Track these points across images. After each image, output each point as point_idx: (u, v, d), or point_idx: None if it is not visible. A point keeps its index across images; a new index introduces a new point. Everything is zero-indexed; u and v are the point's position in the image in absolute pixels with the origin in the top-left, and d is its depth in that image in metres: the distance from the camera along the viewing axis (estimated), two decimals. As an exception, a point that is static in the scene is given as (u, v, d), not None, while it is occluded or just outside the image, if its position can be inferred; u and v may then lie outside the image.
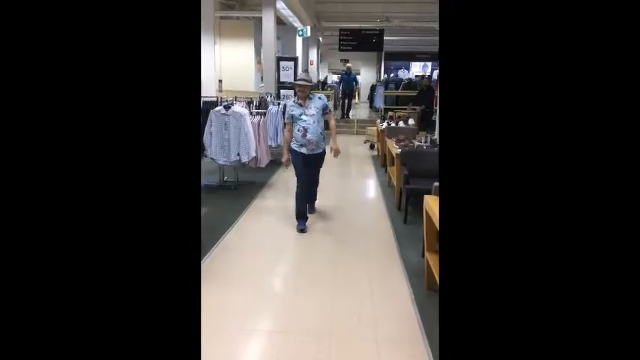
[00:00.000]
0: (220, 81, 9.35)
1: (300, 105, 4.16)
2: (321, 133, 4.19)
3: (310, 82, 4.30)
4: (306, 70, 4.38)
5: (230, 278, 3.24)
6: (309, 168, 4.25)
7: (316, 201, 4.76)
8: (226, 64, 10.73)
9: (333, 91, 13.67)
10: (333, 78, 20.44)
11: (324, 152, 4.32)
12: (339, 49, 12.88)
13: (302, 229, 4.21)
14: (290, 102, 4.39)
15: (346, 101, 12.82)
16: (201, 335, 2.01)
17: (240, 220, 4.53)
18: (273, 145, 6.31)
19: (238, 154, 5.39)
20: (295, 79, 4.42)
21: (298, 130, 4.14)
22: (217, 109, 5.39)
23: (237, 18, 11.89)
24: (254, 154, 5.47)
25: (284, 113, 5.29)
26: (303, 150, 4.16)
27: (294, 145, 4.19)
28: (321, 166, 4.43)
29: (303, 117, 4.12)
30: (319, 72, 18.75)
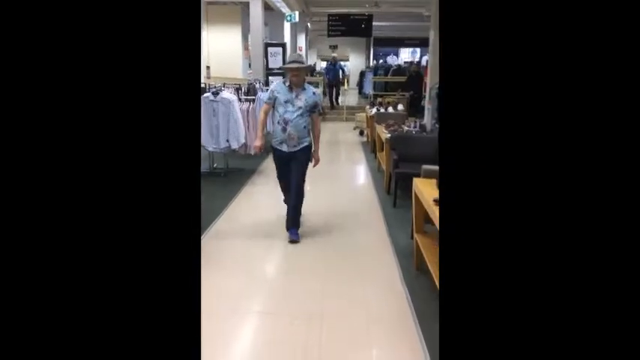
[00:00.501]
0: (208, 67, 9.27)
1: (290, 89, 3.49)
2: (304, 127, 3.54)
3: (304, 63, 3.62)
4: (297, 52, 3.71)
5: (221, 263, 3.26)
6: (290, 167, 3.59)
7: (299, 227, 3.74)
8: (214, 50, 10.60)
9: (321, 78, 13.61)
10: (322, 65, 20.32)
11: (309, 147, 3.61)
12: (328, 35, 12.79)
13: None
14: (278, 82, 3.68)
15: (333, 90, 12.77)
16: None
17: (230, 206, 4.53)
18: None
19: (227, 141, 5.38)
20: (286, 62, 3.61)
21: (278, 122, 3.51)
22: (206, 95, 5.35)
23: (225, 3, 11.72)
24: (243, 141, 5.46)
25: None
26: (284, 147, 3.53)
27: (274, 142, 3.60)
28: (305, 166, 3.62)
29: (288, 106, 3.47)
30: (308, 58, 18.62)
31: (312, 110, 3.57)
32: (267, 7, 10.55)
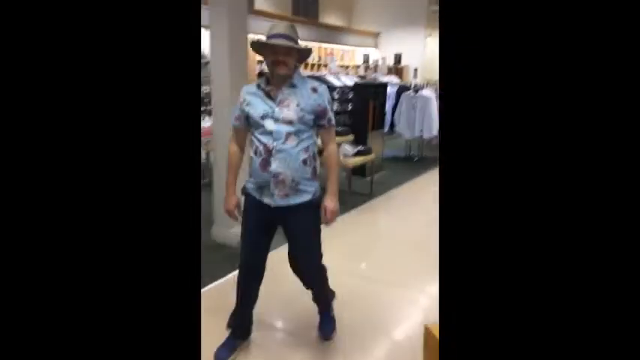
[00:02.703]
0: (415, 69, 10.41)
1: (269, 95, 1.89)
2: (305, 160, 1.90)
3: (296, 40, 1.88)
4: (285, 23, 1.91)
5: (387, 209, 4.52)
6: (270, 236, 2.02)
7: (334, 330, 2.24)
8: (430, 55, 11.53)
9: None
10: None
11: (311, 204, 1.95)
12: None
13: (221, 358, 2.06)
14: (249, 86, 1.98)
15: None
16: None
17: (409, 182, 5.56)
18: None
19: (421, 131, 6.40)
20: (267, 36, 1.85)
21: (255, 153, 1.90)
22: (408, 92, 6.49)
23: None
24: (435, 133, 6.37)
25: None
26: (265, 198, 1.93)
27: (248, 186, 1.99)
28: (316, 229, 2.00)
29: (268, 122, 1.87)
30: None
31: (319, 122, 1.95)
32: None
